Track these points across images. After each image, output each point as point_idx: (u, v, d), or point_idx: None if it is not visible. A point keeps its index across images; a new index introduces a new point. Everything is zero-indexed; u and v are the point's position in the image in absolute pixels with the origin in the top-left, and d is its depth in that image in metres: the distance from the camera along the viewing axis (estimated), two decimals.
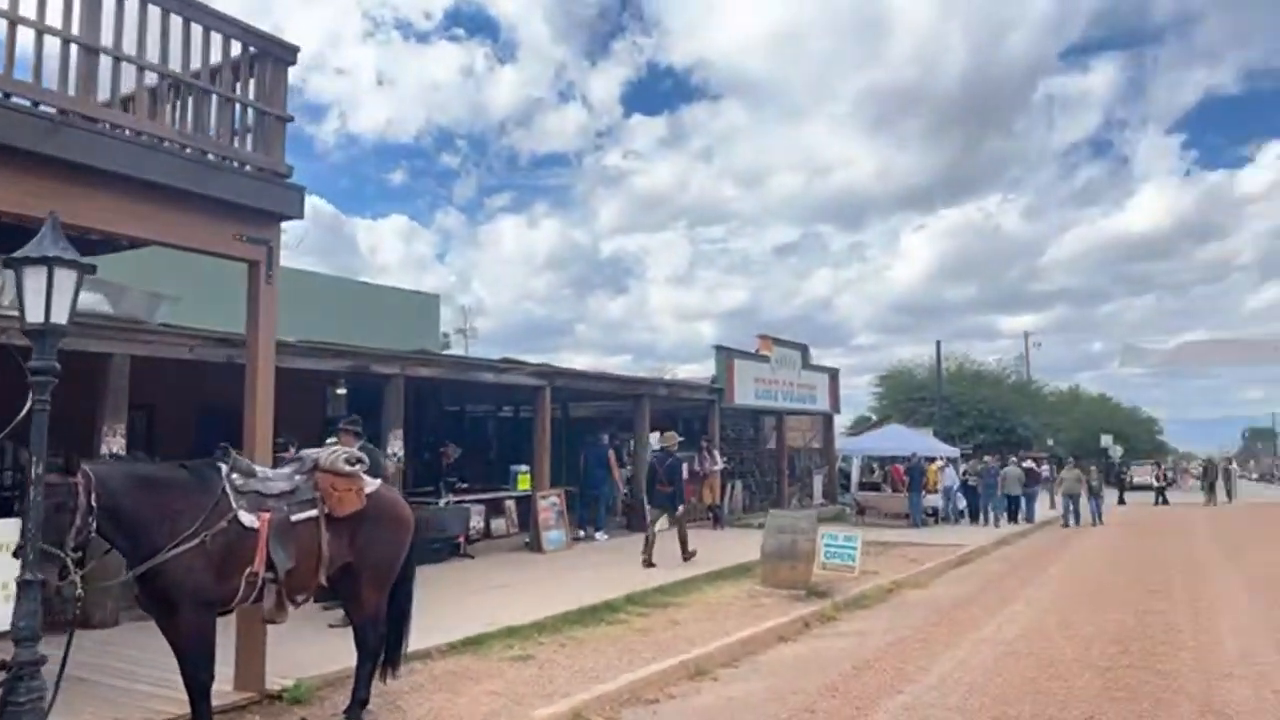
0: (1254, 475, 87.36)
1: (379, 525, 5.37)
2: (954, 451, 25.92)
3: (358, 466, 5.33)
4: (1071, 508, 21.97)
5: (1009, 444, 47.95)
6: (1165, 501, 34.05)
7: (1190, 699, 6.05)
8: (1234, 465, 52.25)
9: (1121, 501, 33.66)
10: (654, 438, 14.71)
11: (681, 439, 14.67)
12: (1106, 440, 52.98)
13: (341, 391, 13.22)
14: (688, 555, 12.41)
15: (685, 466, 14.11)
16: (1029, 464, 28.35)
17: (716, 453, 17.89)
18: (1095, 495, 23.12)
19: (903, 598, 11.17)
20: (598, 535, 14.94)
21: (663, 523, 12.80)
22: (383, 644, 5.54)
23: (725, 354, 18.85)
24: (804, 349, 22.47)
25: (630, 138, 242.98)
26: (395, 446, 11.02)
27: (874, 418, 49.15)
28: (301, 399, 12.40)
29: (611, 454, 15.27)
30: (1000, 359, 62.31)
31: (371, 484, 5.42)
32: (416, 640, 6.54)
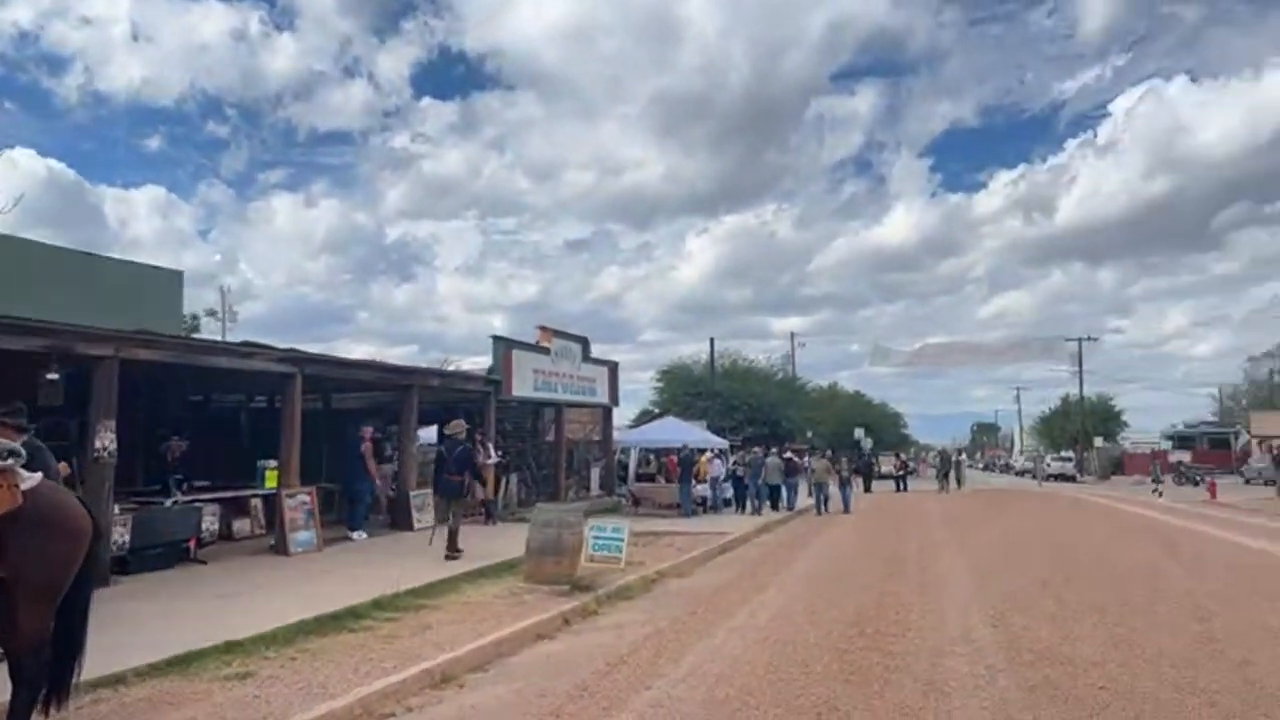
0: (980, 465, 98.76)
1: (38, 531, 4.46)
2: (724, 443, 26.99)
3: (10, 460, 4.40)
4: (822, 496, 23.29)
5: (775, 436, 50.95)
6: (905, 489, 37.51)
7: (914, 678, 6.37)
8: (963, 456, 58.74)
9: (868, 489, 36.66)
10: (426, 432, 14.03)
11: (479, 430, 14.20)
12: (859, 433, 57.70)
13: (54, 377, 11.42)
14: (454, 550, 12.01)
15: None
16: (790, 455, 30.13)
17: (491, 446, 17.38)
18: (845, 484, 24.62)
19: (665, 587, 11.24)
20: (354, 535, 13.98)
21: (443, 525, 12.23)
22: (46, 673, 4.63)
23: (503, 345, 18.38)
24: (584, 342, 22.43)
25: (420, 120, 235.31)
26: (105, 440, 9.59)
27: (656, 411, 50.53)
28: (6, 387, 10.57)
29: (367, 447, 14.32)
30: (769, 357, 66.20)
31: (30, 479, 4.50)
32: (110, 662, 5.62)
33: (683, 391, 55.54)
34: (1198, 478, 37.51)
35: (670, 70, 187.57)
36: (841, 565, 13.12)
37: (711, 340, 36.62)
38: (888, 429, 78.01)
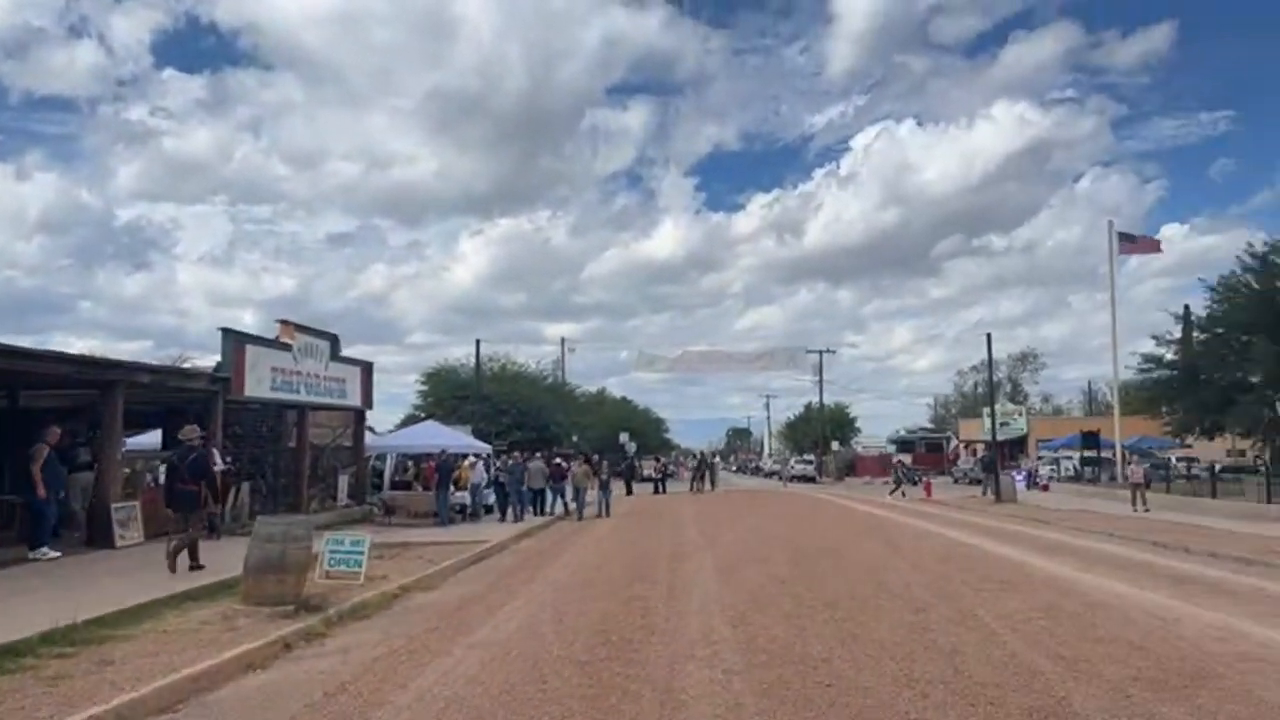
0: (734, 467, 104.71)
1: None
2: (486, 448, 26.30)
3: None
4: (582, 501, 23.19)
5: (544, 440, 50.80)
6: (664, 491, 38.66)
7: (654, 687, 6.19)
8: (718, 459, 61.77)
9: (630, 492, 37.43)
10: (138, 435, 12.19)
11: (204, 434, 12.69)
12: (624, 437, 59.00)
13: None
14: (176, 566, 10.98)
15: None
16: (559, 460, 30.02)
17: (218, 452, 15.57)
18: (604, 488, 24.77)
19: (408, 603, 10.49)
20: (36, 554, 11.91)
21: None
22: None
23: (234, 339, 16.60)
24: (333, 339, 20.89)
25: (161, 93, 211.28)
26: None
27: (423, 415, 48.67)
28: None
29: (40, 451, 12.18)
30: (539, 362, 66.13)
31: None
32: None
33: (449, 395, 54.02)
34: (915, 478, 41.73)
35: (445, 67, 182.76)
36: (595, 570, 12.96)
37: (478, 342, 35.69)
38: (651, 433, 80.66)
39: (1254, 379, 28.80)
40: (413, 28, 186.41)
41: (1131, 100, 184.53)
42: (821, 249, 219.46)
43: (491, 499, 21.96)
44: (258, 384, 17.25)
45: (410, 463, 25.79)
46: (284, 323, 18.69)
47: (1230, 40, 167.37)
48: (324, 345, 20.36)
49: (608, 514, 23.86)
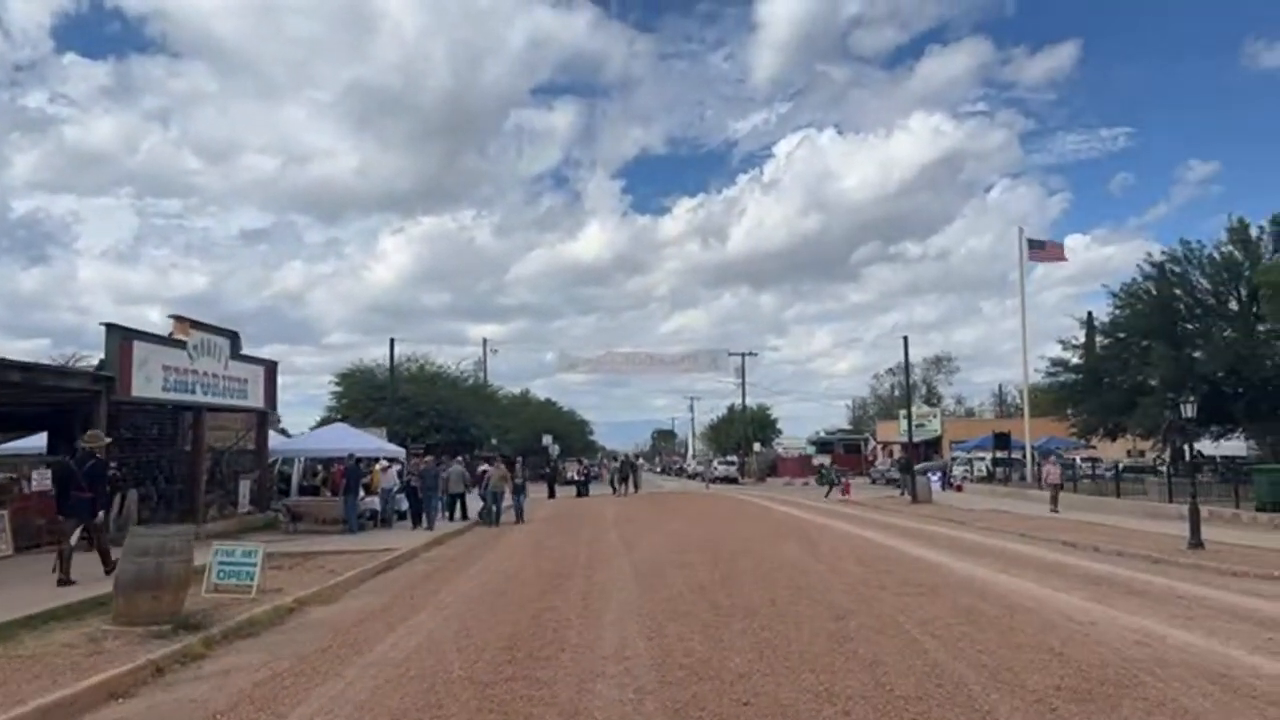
0: (659, 469, 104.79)
1: None
2: (399, 451, 25.34)
3: None
4: (494, 506, 22.18)
5: (464, 443, 49.69)
6: (587, 493, 38.14)
7: (559, 710, 5.72)
8: (641, 461, 61.55)
9: (551, 495, 36.79)
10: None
11: (108, 440, 11.92)
12: (547, 439, 58.22)
13: None
14: (111, 568, 10.34)
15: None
16: (485, 466, 29.08)
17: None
18: (519, 492, 23.76)
19: (303, 618, 9.76)
20: None
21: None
22: None
23: (119, 335, 15.42)
24: (234, 336, 19.73)
25: (62, 79, 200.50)
26: None
27: (339, 417, 47.05)
28: None
29: None
30: (460, 363, 64.79)
31: None
32: None
33: (365, 396, 52.35)
34: (835, 478, 42.18)
35: (366, 62, 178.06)
36: (508, 579, 12.39)
37: (391, 341, 34.36)
38: (575, 435, 79.93)
39: (1153, 382, 29.84)
40: (332, 20, 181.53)
41: (1038, 115, 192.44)
42: (745, 254, 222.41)
43: (404, 505, 21.07)
44: (147, 383, 16.08)
45: (320, 467, 24.67)
46: (178, 318, 17.48)
47: (1130, 60, 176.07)
48: (223, 343, 19.20)
49: (521, 519, 23.05)
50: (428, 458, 24.91)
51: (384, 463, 20.95)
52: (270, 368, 21.74)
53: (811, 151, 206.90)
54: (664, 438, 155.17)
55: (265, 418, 21.93)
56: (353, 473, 19.47)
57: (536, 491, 37.92)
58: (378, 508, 21.11)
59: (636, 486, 39.97)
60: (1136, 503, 24.11)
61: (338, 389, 52.34)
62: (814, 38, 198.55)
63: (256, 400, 21.00)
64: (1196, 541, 14.46)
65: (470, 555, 15.72)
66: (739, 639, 7.84)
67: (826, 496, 34.53)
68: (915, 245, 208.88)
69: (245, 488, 20.73)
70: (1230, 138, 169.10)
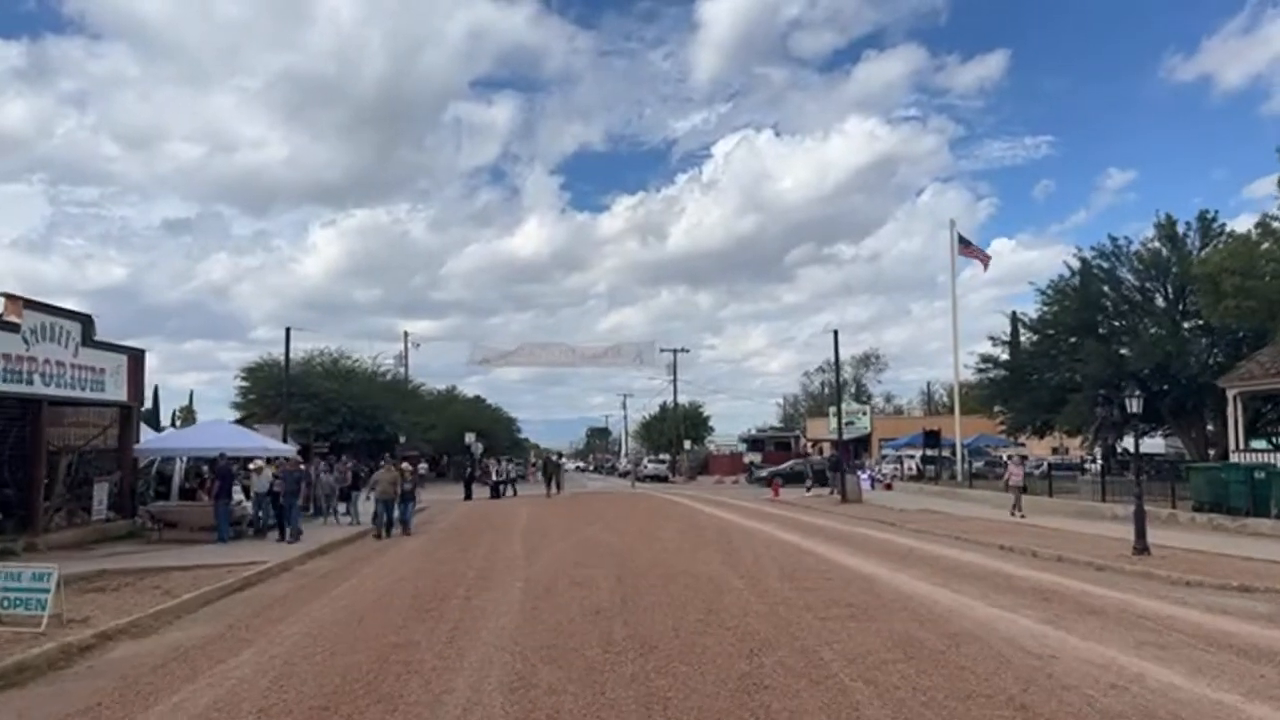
0: (591, 467, 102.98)
1: None
2: (288, 450, 23.06)
3: None
4: (385, 514, 19.07)
5: (379, 442, 47.11)
6: (502, 495, 36.17)
7: None
8: (564, 460, 59.73)
9: (468, 496, 34.73)
10: None
11: None
12: (470, 438, 55.83)
13: None
14: None
15: None
16: (405, 464, 26.89)
17: None
18: (408, 498, 20.32)
19: (97, 659, 7.84)
20: None
21: None
22: None
23: None
24: (85, 320, 17.32)
25: None
26: None
27: (246, 415, 44.15)
28: None
29: None
30: (377, 356, 62.07)
31: None
32: None
33: (273, 392, 49.37)
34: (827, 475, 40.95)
35: (299, 49, 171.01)
36: (374, 603, 10.53)
37: (288, 330, 31.61)
38: (502, 433, 77.46)
39: (1080, 379, 29.39)
40: (263, 4, 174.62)
41: (968, 122, 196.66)
42: (683, 252, 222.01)
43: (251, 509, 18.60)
44: None
45: (206, 468, 22.25)
46: (9, 297, 15.03)
47: (1054, 71, 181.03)
48: (72, 328, 16.78)
49: (406, 530, 19.49)
50: (301, 462, 22.62)
51: (258, 463, 18.69)
52: (135, 357, 19.34)
53: (749, 152, 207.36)
54: (598, 436, 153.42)
55: (130, 413, 19.49)
56: (223, 474, 17.27)
57: (456, 493, 35.84)
58: (252, 513, 18.94)
59: (559, 487, 38.15)
60: (1068, 502, 23.35)
61: (244, 384, 49.36)
62: (754, 39, 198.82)
63: (118, 393, 18.59)
64: (1142, 546, 13.41)
65: (345, 571, 13.75)
66: (625, 690, 6.20)
67: (809, 493, 33.14)
68: (848, 247, 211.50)
69: (102, 492, 18.29)
70: (1148, 147, 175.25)
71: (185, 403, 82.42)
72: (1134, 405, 14.75)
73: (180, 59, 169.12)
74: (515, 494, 37.21)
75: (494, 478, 37.05)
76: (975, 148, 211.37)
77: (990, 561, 13.67)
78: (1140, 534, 13.53)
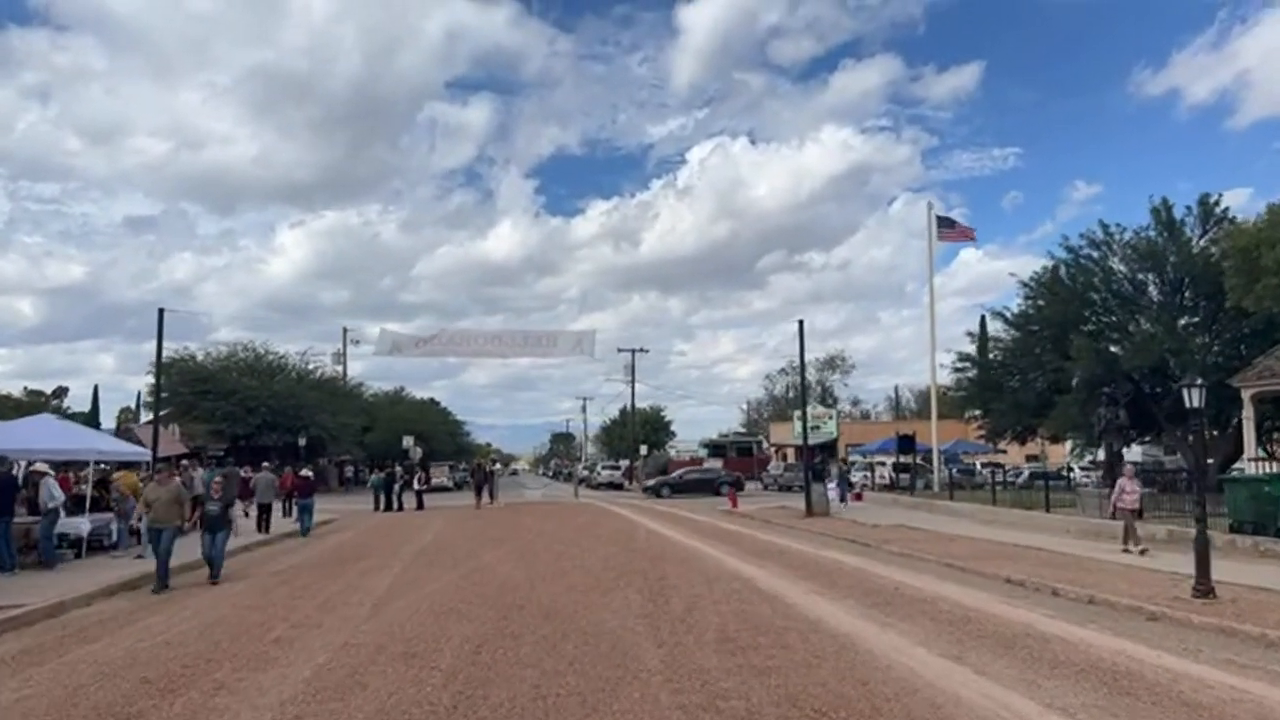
0: (550, 473, 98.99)
1: None
2: (143, 452, 19.00)
3: None
4: (158, 552, 12.42)
5: (309, 446, 42.71)
6: (423, 506, 32.21)
7: None
8: (497, 466, 55.68)
9: (389, 507, 30.79)
10: None
11: None
12: (408, 441, 51.72)
13: None
14: None
15: None
16: (307, 472, 23.25)
17: None
18: (217, 526, 13.05)
19: None
20: None
21: None
22: None
23: None
24: None
25: None
26: None
27: (159, 415, 39.77)
28: None
29: None
30: (306, 352, 57.71)
31: None
32: None
33: (190, 390, 44.96)
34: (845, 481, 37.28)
35: (271, 45, 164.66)
36: (88, 686, 6.69)
37: (160, 310, 27.09)
38: (447, 438, 73.17)
39: (1075, 379, 26.32)
40: None
41: (940, 133, 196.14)
42: (656, 258, 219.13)
43: (85, 528, 14.72)
44: None
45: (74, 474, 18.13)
46: None
47: (1024, 84, 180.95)
48: None
49: (213, 576, 12.80)
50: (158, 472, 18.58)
51: (42, 466, 14.64)
52: None
53: (724, 159, 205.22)
54: (561, 441, 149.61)
55: None
56: (6, 485, 13.27)
57: (366, 503, 31.82)
58: (84, 533, 14.99)
59: (493, 496, 34.23)
60: (1069, 518, 20.01)
61: (152, 381, 44.81)
62: (732, 45, 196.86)
63: None
64: (1206, 587, 9.99)
65: (117, 621, 9.86)
66: None
67: (843, 501, 28.87)
68: (820, 255, 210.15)
69: None
70: (1113, 160, 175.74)
71: (131, 403, 76.78)
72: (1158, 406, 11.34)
73: (148, 52, 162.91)
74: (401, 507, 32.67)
75: (416, 486, 33.01)
76: (945, 158, 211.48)
77: (1005, 607, 10.16)
78: (1203, 570, 10.11)
